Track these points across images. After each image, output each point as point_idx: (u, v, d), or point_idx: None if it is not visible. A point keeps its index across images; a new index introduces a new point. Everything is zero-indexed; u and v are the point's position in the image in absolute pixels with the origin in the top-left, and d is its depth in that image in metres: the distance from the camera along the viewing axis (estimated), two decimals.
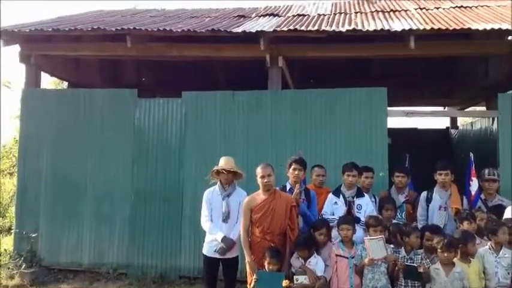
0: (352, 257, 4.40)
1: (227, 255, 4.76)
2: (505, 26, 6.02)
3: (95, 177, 7.18)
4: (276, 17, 8.07)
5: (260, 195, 4.62)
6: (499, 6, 7.64)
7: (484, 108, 10.60)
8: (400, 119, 8.85)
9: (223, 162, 4.94)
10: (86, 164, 7.22)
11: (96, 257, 7.08)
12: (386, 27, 6.34)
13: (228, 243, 4.69)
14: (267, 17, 8.19)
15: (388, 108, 6.73)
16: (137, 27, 6.88)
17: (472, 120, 11.25)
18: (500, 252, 4.32)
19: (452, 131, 12.38)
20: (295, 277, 4.20)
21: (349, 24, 6.73)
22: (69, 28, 6.97)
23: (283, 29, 6.62)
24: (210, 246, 4.83)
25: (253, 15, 8.46)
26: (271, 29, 6.61)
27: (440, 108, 12.46)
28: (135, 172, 7.10)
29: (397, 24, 6.50)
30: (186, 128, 7.05)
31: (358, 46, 6.78)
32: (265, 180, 4.54)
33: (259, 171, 4.61)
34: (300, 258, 4.33)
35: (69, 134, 7.29)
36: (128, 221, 7.03)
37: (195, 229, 6.12)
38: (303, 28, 6.59)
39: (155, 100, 7.38)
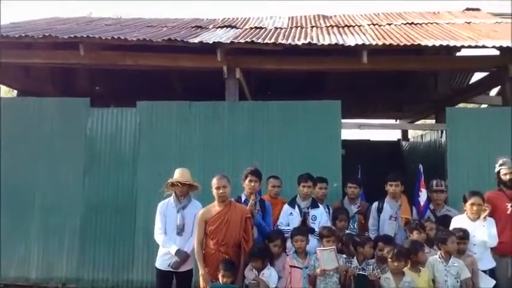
0: (306, 268, 4.43)
1: (181, 268, 4.67)
2: (453, 43, 6.30)
3: (44, 188, 6.91)
4: (234, 29, 8.11)
5: (215, 207, 4.58)
6: (447, 23, 7.99)
7: (433, 121, 11.01)
8: (353, 131, 9.08)
9: (178, 175, 4.87)
10: (34, 174, 6.94)
11: (44, 271, 6.78)
12: (341, 42, 6.50)
13: (181, 257, 4.61)
14: (225, 28, 8.23)
15: (342, 121, 6.87)
16: (91, 35, 6.74)
17: (422, 132, 11.66)
18: (450, 261, 4.45)
19: (403, 143, 12.78)
20: None
21: (305, 38, 6.86)
22: (20, 35, 6.73)
23: (240, 40, 6.66)
24: (163, 259, 4.73)
25: (211, 26, 8.48)
26: (229, 41, 6.63)
27: (392, 121, 12.86)
28: (86, 183, 6.89)
29: (351, 39, 6.68)
30: (140, 139, 6.92)
31: (314, 59, 6.92)
32: (221, 192, 4.51)
33: (214, 182, 4.57)
34: (254, 270, 4.32)
35: (17, 143, 7.00)
36: (78, 233, 6.79)
37: (149, 241, 5.99)
38: (259, 40, 6.65)
39: (108, 110, 7.21)
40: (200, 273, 4.46)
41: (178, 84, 10.11)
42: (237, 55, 6.89)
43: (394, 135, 14.37)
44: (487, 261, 4.79)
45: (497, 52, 6.61)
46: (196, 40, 6.69)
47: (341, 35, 7.10)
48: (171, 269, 4.65)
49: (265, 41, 6.62)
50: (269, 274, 4.28)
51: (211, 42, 6.58)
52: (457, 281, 4.36)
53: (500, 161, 5.24)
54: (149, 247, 6.28)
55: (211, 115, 6.89)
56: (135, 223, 6.74)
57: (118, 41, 6.71)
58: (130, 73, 9.22)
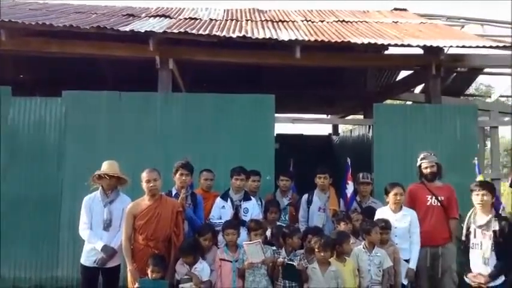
0: (236, 261, 4.45)
1: (108, 264, 4.52)
2: (380, 41, 6.55)
3: None
4: (167, 19, 7.94)
5: (145, 201, 4.47)
6: (376, 22, 8.30)
7: (361, 117, 11.44)
8: (287, 125, 9.22)
9: (106, 167, 4.69)
10: None
11: None
12: (275, 36, 6.56)
13: (108, 253, 4.46)
14: (158, 17, 8.03)
15: (276, 115, 6.95)
16: (13, 20, 6.31)
17: (351, 127, 12.10)
18: (373, 251, 4.64)
19: (334, 137, 13.19)
20: (180, 285, 4.13)
21: (240, 31, 6.85)
22: None
23: (173, 30, 6.53)
24: (88, 255, 4.55)
25: (143, 15, 8.24)
26: (161, 30, 6.48)
27: (324, 116, 13.22)
28: (6, 176, 6.46)
29: (285, 34, 6.76)
30: (66, 130, 6.60)
31: (248, 53, 6.93)
32: (151, 185, 4.41)
33: (144, 175, 4.46)
34: (185, 265, 4.27)
35: None
36: None
37: (75, 237, 5.70)
38: (194, 31, 6.56)
39: (32, 99, 6.79)
40: (128, 269, 4.34)
41: (109, 74, 9.74)
42: (170, 45, 6.76)
43: (326, 129, 14.81)
44: (408, 251, 5.01)
45: (421, 51, 6.97)
46: (127, 28, 6.47)
47: (275, 30, 7.17)
48: (97, 266, 4.50)
49: (199, 32, 6.53)
50: (201, 268, 4.25)
51: (143, 31, 6.39)
52: (380, 270, 4.55)
53: (422, 155, 5.53)
54: (75, 243, 5.99)
55: (143, 106, 6.71)
56: (61, 219, 6.44)
57: (43, 26, 6.34)
58: (57, 61, 8.76)
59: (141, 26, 6.82)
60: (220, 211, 5.22)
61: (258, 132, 6.75)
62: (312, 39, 6.47)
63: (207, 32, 6.58)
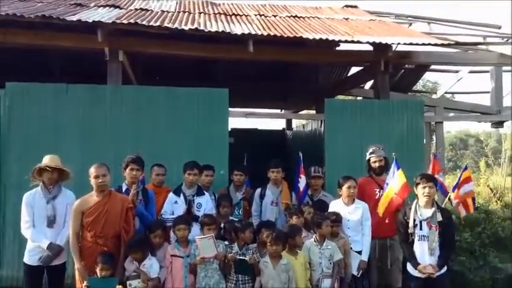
0: (188, 256, 4.42)
1: (53, 263, 4.37)
2: (331, 37, 6.65)
3: None
4: (117, 9, 7.69)
5: (93, 197, 4.35)
6: (328, 18, 8.42)
7: (314, 112, 11.61)
8: (241, 120, 9.23)
9: (47, 160, 4.51)
10: None
11: None
12: (227, 30, 6.51)
13: (54, 250, 4.31)
14: (107, 7, 7.77)
15: (230, 109, 6.92)
16: None
17: (305, 122, 12.24)
18: (324, 244, 4.73)
19: (288, 132, 13.32)
20: (128, 282, 4.05)
21: (192, 23, 6.76)
22: None
23: (123, 21, 6.33)
24: (32, 254, 4.39)
25: (92, 4, 7.95)
26: (110, 21, 6.28)
27: (278, 111, 13.31)
28: None
29: (238, 28, 6.73)
30: (10, 124, 6.28)
31: (200, 46, 6.85)
32: (100, 181, 4.29)
33: (92, 171, 4.34)
34: (135, 262, 4.19)
35: None
36: None
37: (19, 236, 5.48)
38: (144, 23, 6.40)
39: None
40: (76, 267, 4.21)
41: (56, 66, 9.36)
42: (120, 37, 6.56)
43: (281, 124, 14.91)
44: (361, 243, 5.16)
45: (370, 48, 7.14)
46: (74, 18, 6.22)
47: (228, 23, 7.12)
48: (41, 264, 4.33)
49: (150, 24, 6.38)
50: (150, 265, 4.19)
51: (90, 21, 6.17)
52: (330, 263, 4.65)
53: (371, 150, 5.69)
54: (20, 242, 5.72)
55: (91, 99, 6.47)
56: (4, 217, 6.14)
57: None
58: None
59: (89, 16, 6.57)
60: (173, 206, 5.18)
61: (211, 127, 6.69)
62: (265, 33, 6.48)
63: (158, 23, 6.45)
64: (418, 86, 15.41)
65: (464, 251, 6.80)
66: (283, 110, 13.20)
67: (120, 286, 3.97)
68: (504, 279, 6.58)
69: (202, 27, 6.47)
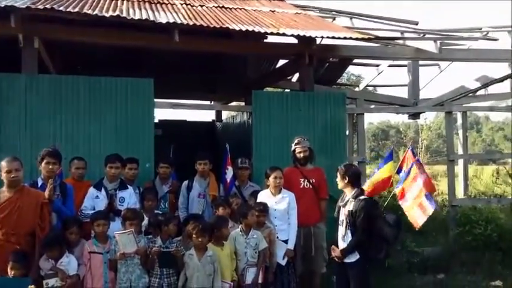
0: (107, 252, 4.28)
1: None
2: (257, 29, 6.67)
3: None
4: None
5: (4, 193, 4.11)
6: (254, 10, 8.43)
7: (243, 104, 11.65)
8: (172, 112, 9.06)
9: None
10: None
11: None
12: (152, 18, 6.32)
13: None
14: None
15: (156, 100, 6.76)
16: None
17: (234, 114, 12.26)
18: (249, 234, 4.79)
19: (218, 123, 13.28)
20: (44, 281, 3.84)
21: (114, 10, 6.48)
22: None
23: (38, 6, 5.94)
24: None
25: None
26: (25, 6, 5.86)
27: (208, 102, 13.23)
28: None
29: (163, 17, 6.55)
30: None
31: (123, 34, 6.61)
32: (12, 176, 4.06)
33: (4, 165, 4.10)
34: (51, 260, 3.99)
35: None
36: None
37: None
38: (62, 8, 6.03)
39: None
40: None
41: None
42: (36, 23, 6.16)
43: (211, 116, 14.83)
44: (287, 232, 5.26)
45: (295, 41, 7.26)
46: None
47: (153, 11, 6.90)
48: None
49: (68, 10, 6.04)
50: (67, 262, 4.02)
51: (2, 5, 5.73)
52: (256, 252, 4.72)
53: (296, 140, 5.82)
54: None
55: (4, 89, 6.05)
56: None
57: None
58: None
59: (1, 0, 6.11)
60: (94, 201, 5.02)
61: (136, 118, 6.49)
62: (191, 23, 6.37)
63: (77, 9, 6.11)
64: (343, 79, 16.01)
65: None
66: (213, 102, 13.14)
67: (33, 286, 3.72)
68: (419, 263, 7.03)
69: (124, 15, 6.23)
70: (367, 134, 44.68)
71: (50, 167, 4.58)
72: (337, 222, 4.69)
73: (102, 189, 5.05)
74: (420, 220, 5.21)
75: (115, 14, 6.11)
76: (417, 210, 5.20)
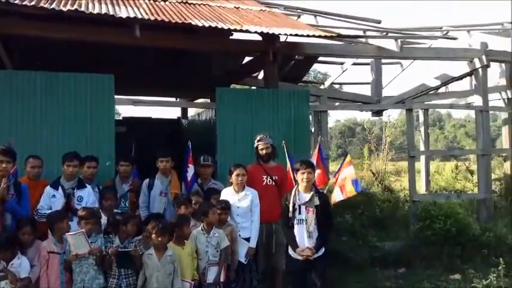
0: (64, 253, 4.16)
1: None
2: (221, 25, 6.61)
3: None
4: None
5: None
6: (219, 6, 8.36)
7: (208, 101, 11.57)
8: (138, 109, 8.88)
9: None
10: None
11: None
12: (112, 13, 6.17)
13: None
14: None
15: (116, 97, 6.61)
16: None
17: (200, 111, 12.13)
18: (211, 233, 4.75)
19: (183, 120, 13.14)
20: None
21: (72, 4, 6.29)
22: None
23: None
24: None
25: None
26: None
27: (173, 99, 13.06)
28: None
29: (123, 11, 6.41)
30: None
31: (82, 29, 6.44)
32: None
33: None
34: (2, 261, 3.84)
35: None
36: None
37: None
38: (17, 2, 5.82)
39: None
40: None
41: None
42: None
43: (177, 113, 14.65)
44: (249, 230, 5.25)
45: (260, 38, 7.24)
46: None
47: (113, 6, 6.73)
48: None
49: (24, 3, 5.83)
50: (19, 264, 3.89)
51: None
52: (217, 250, 4.69)
53: (258, 137, 5.80)
54: None
55: None
56: None
57: None
58: None
59: None
60: (51, 201, 4.88)
61: (96, 115, 6.35)
62: (153, 18, 6.26)
63: (33, 3, 5.91)
64: (310, 77, 16.14)
65: (346, 231, 7.27)
66: (178, 99, 12.99)
67: None
68: (381, 257, 7.16)
69: (83, 9, 6.06)
70: (334, 132, 45.42)
71: (4, 165, 4.43)
72: (290, 223, 4.64)
73: (59, 188, 4.94)
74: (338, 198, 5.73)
75: (73, 8, 5.95)
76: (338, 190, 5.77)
